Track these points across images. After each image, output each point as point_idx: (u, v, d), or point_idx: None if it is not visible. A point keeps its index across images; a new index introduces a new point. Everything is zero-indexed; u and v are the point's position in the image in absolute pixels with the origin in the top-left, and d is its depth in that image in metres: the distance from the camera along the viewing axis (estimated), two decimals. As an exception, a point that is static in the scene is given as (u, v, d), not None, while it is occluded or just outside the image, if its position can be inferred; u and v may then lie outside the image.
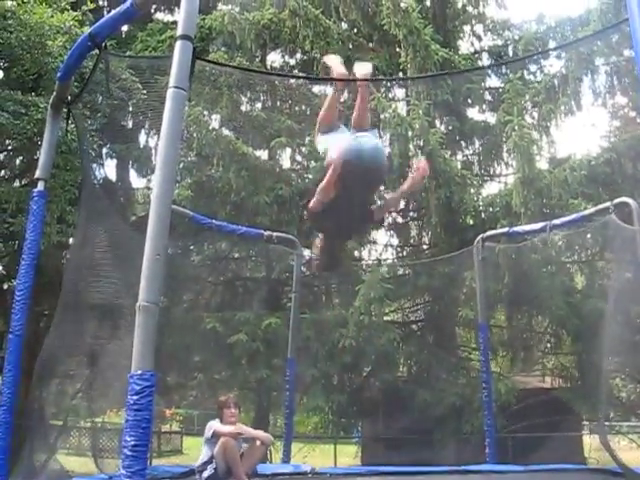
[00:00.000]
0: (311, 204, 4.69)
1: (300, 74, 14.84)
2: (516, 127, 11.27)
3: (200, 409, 23.02)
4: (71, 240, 8.79)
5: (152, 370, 3.36)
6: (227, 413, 6.76)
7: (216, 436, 6.56)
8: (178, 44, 3.78)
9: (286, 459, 8.79)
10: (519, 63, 13.59)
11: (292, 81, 14.36)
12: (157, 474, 6.85)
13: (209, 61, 10.40)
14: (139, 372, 3.33)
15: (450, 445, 11.36)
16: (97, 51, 5.25)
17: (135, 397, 3.31)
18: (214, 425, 6.71)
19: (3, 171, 12.52)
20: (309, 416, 15.36)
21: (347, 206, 4.58)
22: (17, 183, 11.80)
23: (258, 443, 6.88)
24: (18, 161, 12.52)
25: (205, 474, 6.54)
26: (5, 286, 11.96)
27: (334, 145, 4.74)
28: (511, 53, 14.51)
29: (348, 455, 14.70)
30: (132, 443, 3.27)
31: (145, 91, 10.92)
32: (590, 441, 13.12)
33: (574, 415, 12.40)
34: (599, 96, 12.78)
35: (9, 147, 11.39)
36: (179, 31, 3.83)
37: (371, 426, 14.68)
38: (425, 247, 14.96)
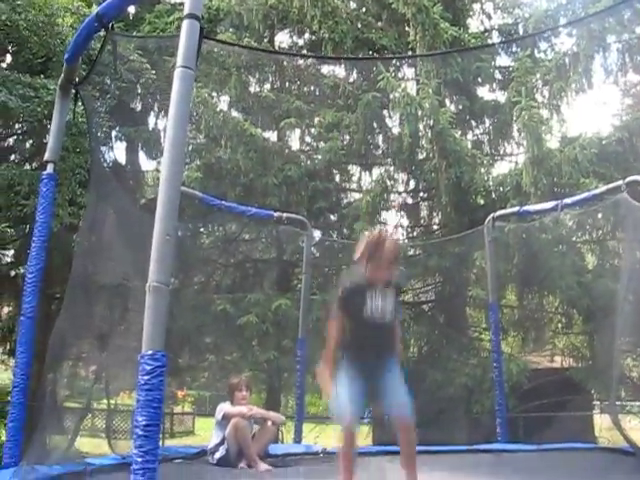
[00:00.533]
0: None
1: (308, 53, 14.74)
2: (525, 106, 11.18)
3: (212, 390, 23.18)
4: (81, 223, 8.81)
5: (163, 350, 3.36)
6: (238, 395, 6.78)
7: (226, 418, 6.59)
8: (185, 23, 3.75)
9: (297, 439, 8.83)
10: (529, 41, 13.45)
11: (300, 62, 14.28)
12: (169, 454, 6.89)
13: (217, 40, 10.37)
14: (150, 352, 3.33)
15: (461, 425, 11.37)
16: (104, 32, 5.24)
17: (146, 377, 3.32)
18: (224, 407, 6.74)
19: (13, 155, 12.55)
20: (320, 396, 15.38)
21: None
22: (27, 167, 11.84)
23: (269, 423, 6.92)
24: (28, 144, 12.55)
25: (217, 455, 6.58)
26: (13, 273, 12.01)
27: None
28: (521, 31, 14.33)
29: (359, 435, 14.74)
30: (144, 423, 3.28)
31: (154, 72, 10.92)
32: (601, 420, 13.11)
33: (585, 395, 12.38)
34: (610, 74, 12.64)
35: (19, 131, 11.42)
36: (186, 10, 3.79)
37: (382, 406, 14.70)
38: (435, 227, 14.93)
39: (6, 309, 14.49)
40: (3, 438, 5.91)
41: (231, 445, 6.49)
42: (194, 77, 3.76)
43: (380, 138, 13.85)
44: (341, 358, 4.43)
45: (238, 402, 6.76)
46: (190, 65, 3.69)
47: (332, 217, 14.31)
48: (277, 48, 15.32)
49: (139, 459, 3.25)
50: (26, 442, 5.26)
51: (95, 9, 5.44)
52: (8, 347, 13.84)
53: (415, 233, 15.40)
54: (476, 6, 15.05)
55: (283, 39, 16.06)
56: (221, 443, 6.59)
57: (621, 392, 12.24)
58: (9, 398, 5.71)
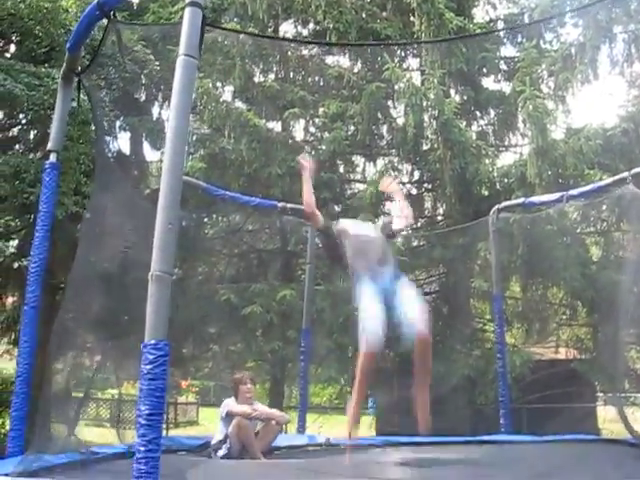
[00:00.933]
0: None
1: (312, 40, 14.66)
2: (530, 96, 11.14)
3: (216, 380, 23.22)
4: (85, 212, 8.81)
5: (165, 339, 3.37)
6: (243, 389, 6.78)
7: (230, 415, 6.59)
8: (187, 11, 3.74)
9: (301, 430, 8.85)
10: (535, 32, 13.38)
11: (305, 52, 14.22)
12: (172, 445, 6.91)
13: (220, 27, 10.31)
14: (152, 342, 3.34)
15: (464, 416, 11.37)
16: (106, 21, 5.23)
17: (149, 366, 3.33)
18: (229, 404, 6.73)
19: (18, 145, 12.53)
20: (324, 387, 15.44)
21: None
22: (32, 156, 11.82)
23: (273, 422, 6.92)
24: (33, 134, 12.53)
25: (220, 453, 6.59)
26: (17, 265, 12.01)
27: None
28: (527, 21, 14.27)
29: (363, 425, 14.76)
30: (146, 412, 3.30)
31: (158, 62, 10.89)
32: (604, 412, 13.11)
33: (589, 386, 12.38)
34: (616, 65, 12.58)
35: (23, 120, 11.40)
36: (188, -3, 3.78)
37: (385, 397, 14.72)
38: (440, 218, 14.89)
39: (10, 299, 14.51)
40: (8, 428, 5.93)
41: (234, 444, 6.50)
42: (197, 65, 3.74)
43: (384, 129, 13.81)
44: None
45: (243, 396, 6.76)
46: (193, 53, 3.68)
47: (336, 208, 14.27)
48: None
49: (142, 448, 3.26)
50: (30, 431, 5.27)
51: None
52: (12, 337, 13.87)
53: (419, 224, 15.37)
54: (481, -5, 14.97)
55: (287, 29, 16.01)
56: (224, 441, 6.59)
57: (625, 384, 12.23)
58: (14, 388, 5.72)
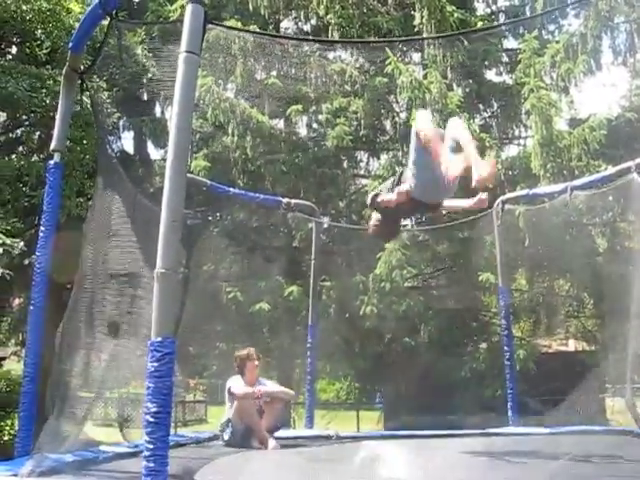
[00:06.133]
0: (379, 201, 5.26)
1: (315, 38, 14.65)
2: (533, 88, 11.11)
3: (224, 378, 23.23)
4: (89, 212, 8.83)
5: (172, 337, 3.36)
6: (249, 366, 6.71)
7: (232, 394, 6.55)
8: (189, 8, 3.73)
9: (309, 425, 8.84)
10: (537, 23, 13.35)
11: (306, 48, 14.20)
12: (181, 440, 6.92)
13: (221, 25, 10.28)
14: (159, 339, 3.34)
15: (472, 409, 11.37)
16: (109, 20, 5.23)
17: (155, 364, 3.33)
18: (234, 383, 6.65)
19: (21, 147, 12.54)
20: (332, 383, 15.45)
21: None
22: (35, 158, 11.83)
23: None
24: (36, 136, 12.54)
25: (225, 436, 6.56)
26: (26, 261, 12.02)
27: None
28: (528, 14, 14.25)
29: (371, 421, 14.79)
30: (154, 410, 3.30)
31: (158, 60, 10.87)
32: (613, 403, 13.09)
33: (597, 378, 12.35)
34: (619, 55, 12.55)
35: (26, 122, 11.41)
36: (189, -6, 3.78)
37: (393, 392, 14.74)
38: (444, 212, 14.83)
39: (17, 301, 14.54)
40: (17, 429, 5.94)
41: (236, 427, 6.44)
42: (199, 62, 3.74)
43: (388, 123, 13.80)
44: None
45: (250, 373, 6.69)
46: (195, 50, 3.68)
47: (341, 203, 14.26)
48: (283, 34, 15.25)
49: (150, 446, 3.26)
50: (38, 431, 5.28)
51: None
52: (20, 338, 13.92)
53: (424, 218, 15.33)
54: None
55: (289, 25, 16.00)
56: (227, 424, 6.55)
57: (634, 375, 12.20)
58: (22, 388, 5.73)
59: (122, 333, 6.57)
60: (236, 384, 6.63)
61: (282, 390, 7.16)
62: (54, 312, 6.27)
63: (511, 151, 14.04)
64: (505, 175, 12.16)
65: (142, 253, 6.05)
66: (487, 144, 12.15)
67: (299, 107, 13.00)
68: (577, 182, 8.48)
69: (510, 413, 8.47)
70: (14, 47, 10.98)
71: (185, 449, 6.47)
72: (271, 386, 7.07)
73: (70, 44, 5.78)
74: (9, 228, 8.80)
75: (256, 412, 6.56)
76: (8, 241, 8.16)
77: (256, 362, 6.77)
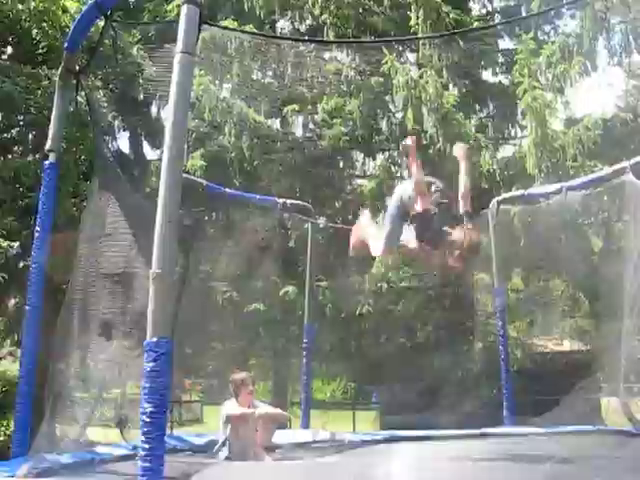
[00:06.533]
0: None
1: (310, 38, 14.65)
2: (528, 87, 11.13)
3: (219, 378, 23.20)
4: (84, 212, 8.82)
5: (167, 337, 3.36)
6: (244, 391, 6.75)
7: (230, 419, 6.57)
8: (184, 8, 3.74)
9: (304, 426, 8.84)
10: (532, 23, 13.36)
11: (302, 47, 14.20)
12: (176, 444, 6.90)
13: (216, 25, 10.28)
14: (155, 339, 3.34)
15: (468, 409, 11.39)
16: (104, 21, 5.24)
17: (151, 364, 3.33)
18: (228, 407, 6.69)
19: (16, 147, 12.51)
20: (328, 382, 15.45)
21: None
22: (31, 158, 11.81)
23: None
24: (31, 136, 12.52)
25: (221, 455, 6.58)
26: (21, 264, 11.98)
27: None
28: (524, 14, 14.26)
29: (366, 421, 14.80)
30: (150, 410, 3.30)
31: (154, 60, 10.87)
32: (608, 403, 13.10)
33: (592, 377, 12.37)
34: (615, 55, 12.56)
35: (21, 122, 11.38)
36: (184, -5, 3.78)
37: (389, 392, 14.75)
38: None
39: (12, 301, 14.51)
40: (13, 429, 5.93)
41: (234, 446, 6.47)
42: (194, 62, 3.75)
43: (384, 123, 13.80)
44: None
45: (244, 397, 6.72)
46: (190, 50, 3.68)
47: (336, 204, 14.27)
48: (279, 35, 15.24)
49: (146, 445, 3.27)
50: (34, 432, 5.27)
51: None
52: (16, 338, 13.87)
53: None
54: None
55: (284, 25, 15.99)
56: (223, 444, 6.58)
57: (629, 374, 12.23)
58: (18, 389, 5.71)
59: (117, 333, 6.58)
60: (231, 409, 6.66)
61: (277, 412, 7.21)
62: (50, 312, 6.26)
63: (507, 151, 14.06)
64: (501, 175, 12.18)
65: (137, 253, 6.05)
66: (483, 144, 12.17)
67: (295, 107, 12.99)
68: (573, 182, 8.51)
69: (505, 412, 8.48)
70: (9, 47, 10.95)
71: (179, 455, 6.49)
72: (265, 408, 7.12)
73: (65, 44, 5.77)
74: (6, 229, 8.78)
75: (253, 430, 6.59)
76: (4, 244, 8.14)
77: (250, 388, 6.77)
